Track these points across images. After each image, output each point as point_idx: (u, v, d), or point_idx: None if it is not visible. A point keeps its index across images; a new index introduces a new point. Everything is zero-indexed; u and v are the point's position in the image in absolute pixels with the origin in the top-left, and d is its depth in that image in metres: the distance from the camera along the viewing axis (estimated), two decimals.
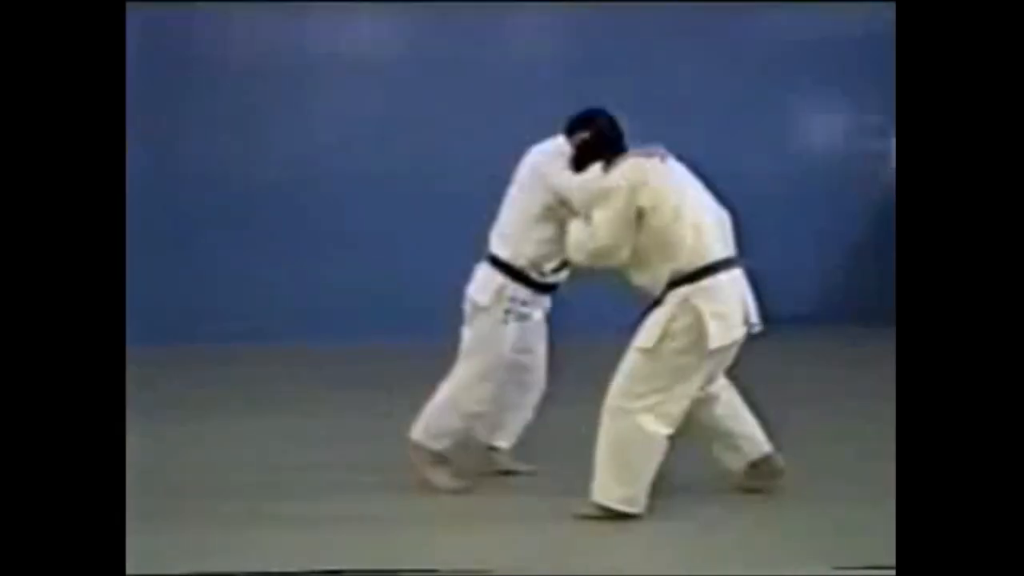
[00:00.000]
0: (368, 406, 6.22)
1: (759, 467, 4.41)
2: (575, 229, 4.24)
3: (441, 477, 4.52)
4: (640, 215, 4.09)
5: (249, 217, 8.75)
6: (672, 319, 4.05)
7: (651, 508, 4.14)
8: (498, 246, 4.51)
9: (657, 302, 4.13)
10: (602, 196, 4.14)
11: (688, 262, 4.09)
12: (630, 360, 4.14)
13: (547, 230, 4.41)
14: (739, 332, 4.14)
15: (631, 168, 4.17)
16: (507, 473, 4.74)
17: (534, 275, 4.48)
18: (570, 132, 4.40)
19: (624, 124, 4.39)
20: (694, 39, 8.92)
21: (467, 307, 4.55)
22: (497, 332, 4.46)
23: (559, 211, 4.38)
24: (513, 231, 4.47)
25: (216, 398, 6.62)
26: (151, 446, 4.95)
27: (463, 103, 8.73)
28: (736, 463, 4.41)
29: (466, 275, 4.58)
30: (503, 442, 4.75)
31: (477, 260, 4.59)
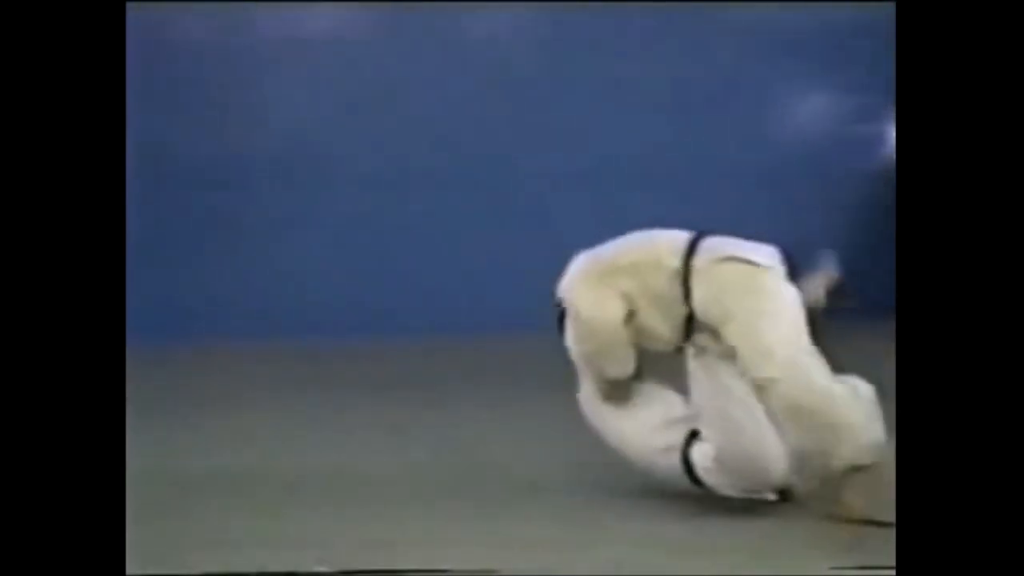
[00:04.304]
0: (360, 406, 6.23)
1: None
2: None
3: None
4: None
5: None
6: None
7: (646, 509, 4.18)
8: None
9: None
10: None
11: None
12: None
13: None
14: None
15: None
16: None
17: None
18: None
19: None
20: (663, 29, 8.87)
21: None
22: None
23: None
24: None
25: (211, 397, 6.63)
26: (150, 446, 4.96)
27: (430, 89, 8.69)
28: None
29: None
30: None
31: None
